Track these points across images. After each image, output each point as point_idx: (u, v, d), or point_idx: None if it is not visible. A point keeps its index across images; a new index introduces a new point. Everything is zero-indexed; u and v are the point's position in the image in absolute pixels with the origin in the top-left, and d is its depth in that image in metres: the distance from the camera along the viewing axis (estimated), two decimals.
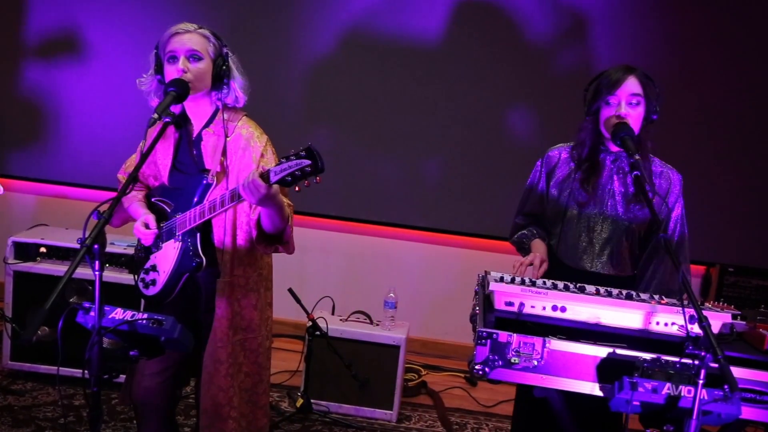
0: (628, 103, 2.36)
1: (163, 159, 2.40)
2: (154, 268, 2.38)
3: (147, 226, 2.34)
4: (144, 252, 2.44)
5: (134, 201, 2.47)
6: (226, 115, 2.33)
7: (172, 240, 2.32)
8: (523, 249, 2.63)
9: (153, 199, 2.45)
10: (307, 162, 1.96)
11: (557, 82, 4.25)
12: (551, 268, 2.48)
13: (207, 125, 2.34)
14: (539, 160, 2.64)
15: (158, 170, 2.44)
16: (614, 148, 2.48)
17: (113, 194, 2.11)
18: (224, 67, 2.30)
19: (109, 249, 3.51)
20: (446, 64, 4.33)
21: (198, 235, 2.29)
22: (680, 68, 4.22)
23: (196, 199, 2.28)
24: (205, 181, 2.28)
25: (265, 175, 2.03)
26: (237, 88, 2.33)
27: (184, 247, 2.30)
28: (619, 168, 2.50)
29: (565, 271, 2.51)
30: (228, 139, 2.31)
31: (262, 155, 2.32)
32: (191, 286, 2.39)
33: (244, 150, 2.31)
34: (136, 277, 2.45)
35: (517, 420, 2.80)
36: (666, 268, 2.50)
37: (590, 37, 4.25)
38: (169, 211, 2.36)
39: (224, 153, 2.30)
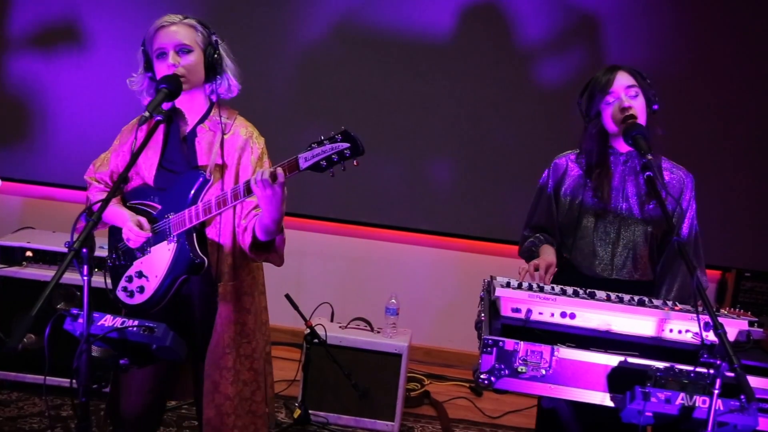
0: (627, 95, 2.41)
1: (147, 158, 2.37)
2: (140, 274, 2.33)
3: (141, 227, 2.29)
4: (125, 258, 2.38)
5: (110, 205, 2.36)
6: (223, 113, 2.34)
7: (165, 242, 2.29)
8: (532, 258, 2.63)
9: (131, 203, 2.39)
10: (346, 145, 2.03)
11: (567, 81, 4.24)
12: (567, 278, 2.47)
13: (202, 121, 2.34)
14: (546, 169, 2.66)
15: (138, 169, 2.39)
16: (623, 149, 2.50)
17: (103, 195, 2.11)
18: (216, 56, 2.30)
19: (98, 253, 3.47)
20: (451, 60, 4.33)
21: (194, 235, 2.28)
22: (696, 65, 4.22)
23: (191, 195, 2.25)
24: (202, 178, 2.25)
25: (293, 163, 2.06)
26: (230, 75, 2.34)
27: (180, 248, 2.26)
28: (631, 169, 2.51)
29: (584, 281, 2.48)
30: (226, 136, 2.32)
31: (260, 158, 2.34)
32: (181, 294, 2.36)
33: (242, 150, 2.32)
34: (112, 287, 2.37)
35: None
36: (686, 270, 2.51)
37: (601, 35, 4.25)
38: (154, 213, 2.32)
39: (222, 150, 2.30)
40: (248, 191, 2.14)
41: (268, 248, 2.32)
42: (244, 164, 2.31)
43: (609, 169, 2.51)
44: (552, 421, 2.56)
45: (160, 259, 2.31)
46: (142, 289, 2.33)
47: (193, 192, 2.25)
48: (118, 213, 2.36)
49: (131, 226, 2.29)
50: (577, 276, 2.54)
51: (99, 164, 2.50)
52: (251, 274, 2.43)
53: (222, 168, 2.31)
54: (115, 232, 2.41)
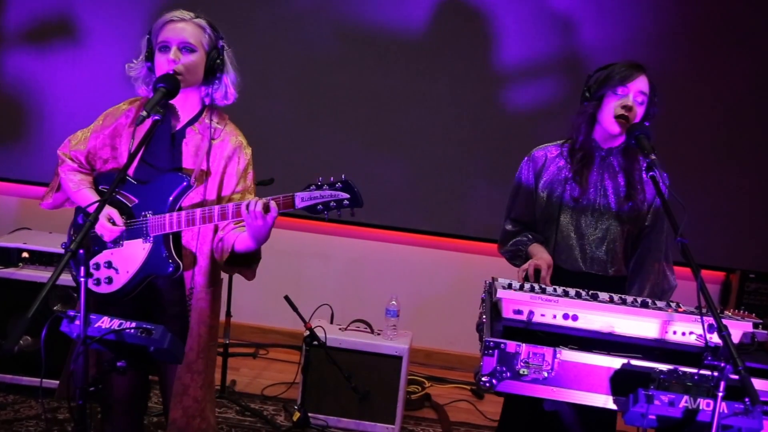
0: (635, 99, 2.46)
1: (129, 147, 2.31)
2: (109, 264, 2.30)
3: (113, 222, 2.25)
4: (94, 244, 2.32)
5: (82, 187, 2.37)
6: (214, 117, 2.34)
7: (140, 240, 2.28)
8: (519, 257, 2.65)
9: (103, 188, 2.35)
10: (346, 195, 2.12)
11: (568, 81, 4.24)
12: None
13: (192, 122, 2.33)
14: (526, 158, 2.71)
15: (117, 155, 2.35)
16: (605, 145, 2.56)
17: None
18: (218, 61, 2.30)
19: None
20: (452, 60, 4.33)
21: (171, 238, 2.28)
22: (697, 64, 4.22)
23: (171, 199, 2.24)
24: (185, 183, 2.25)
25: (288, 201, 2.11)
26: (229, 83, 2.34)
27: (155, 249, 2.26)
28: (608, 165, 2.57)
29: (561, 274, 2.55)
30: (214, 141, 2.32)
31: (245, 168, 2.35)
32: (147, 290, 2.34)
33: (229, 158, 2.33)
34: (75, 270, 2.30)
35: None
36: (658, 268, 2.58)
37: (600, 34, 4.25)
38: (130, 205, 2.29)
39: (208, 156, 2.30)
40: (236, 215, 2.16)
41: (242, 263, 2.35)
42: (229, 173, 2.33)
43: (591, 155, 2.56)
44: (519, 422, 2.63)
45: (133, 255, 2.29)
46: (110, 280, 2.31)
47: (173, 196, 2.25)
48: (86, 198, 2.33)
49: (103, 221, 2.24)
50: (555, 269, 2.55)
51: (75, 142, 2.43)
52: (221, 278, 2.47)
53: (206, 173, 2.30)
54: (82, 214, 2.38)
